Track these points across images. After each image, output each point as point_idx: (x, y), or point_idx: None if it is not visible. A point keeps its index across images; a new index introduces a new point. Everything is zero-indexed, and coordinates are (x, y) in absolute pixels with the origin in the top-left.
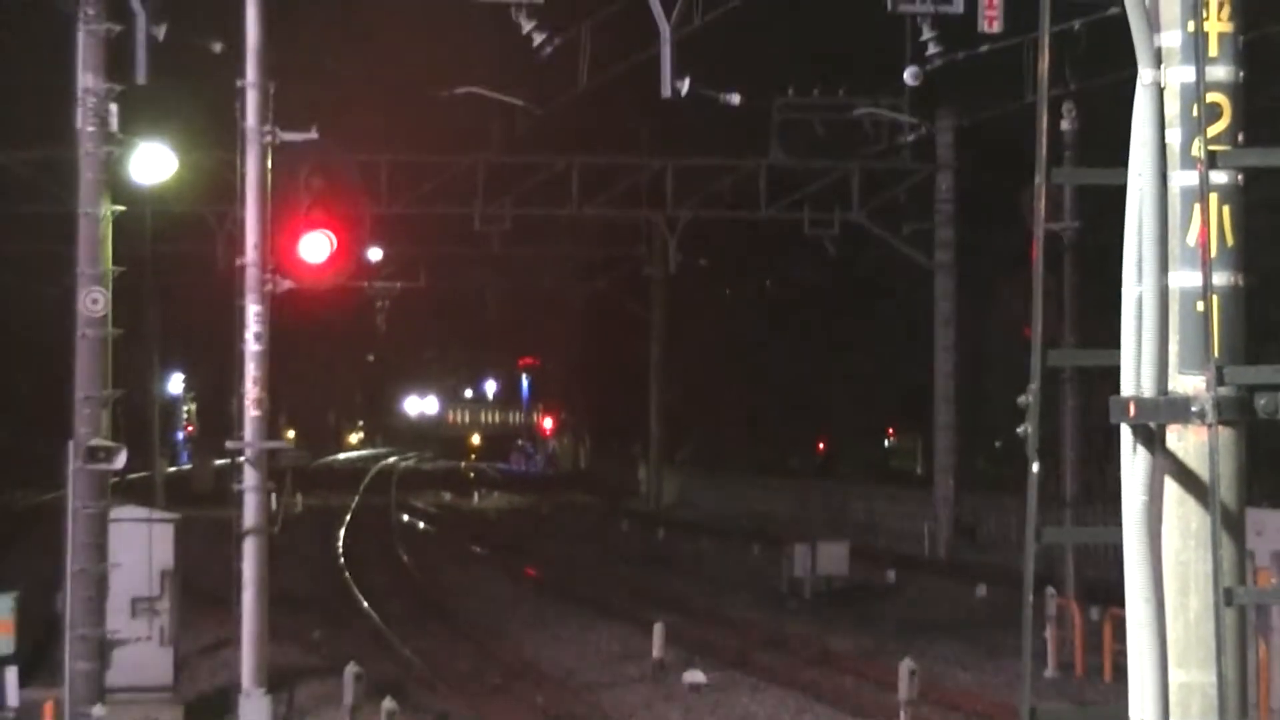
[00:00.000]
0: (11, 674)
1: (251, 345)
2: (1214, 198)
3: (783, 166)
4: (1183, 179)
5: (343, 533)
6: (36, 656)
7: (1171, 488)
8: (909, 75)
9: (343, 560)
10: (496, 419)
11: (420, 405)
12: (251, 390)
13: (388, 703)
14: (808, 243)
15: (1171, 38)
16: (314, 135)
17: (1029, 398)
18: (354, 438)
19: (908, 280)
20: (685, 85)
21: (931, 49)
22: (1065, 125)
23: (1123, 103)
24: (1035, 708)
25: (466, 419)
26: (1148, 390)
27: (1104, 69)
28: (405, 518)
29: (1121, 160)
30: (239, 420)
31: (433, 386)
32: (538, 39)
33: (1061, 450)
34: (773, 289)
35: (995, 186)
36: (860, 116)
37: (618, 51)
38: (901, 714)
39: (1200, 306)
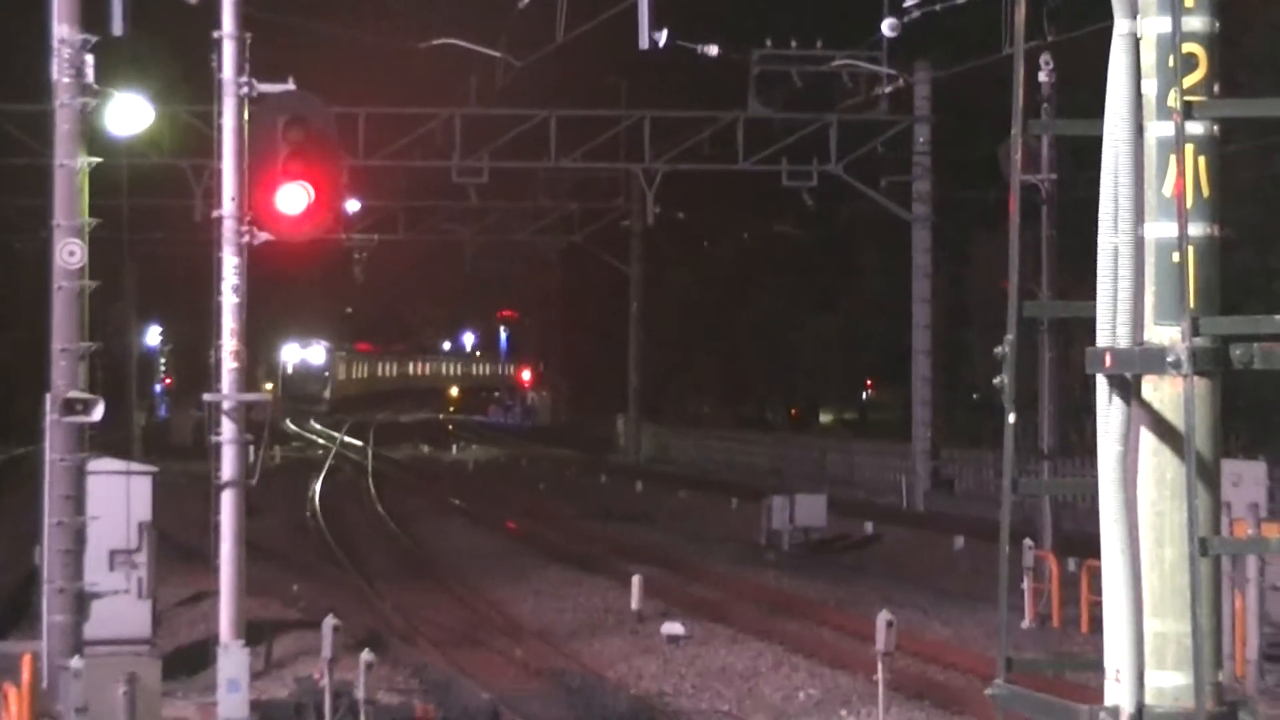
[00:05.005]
0: None
1: (229, 297)
2: (1190, 149)
3: (760, 118)
4: (1159, 130)
5: (319, 485)
6: (14, 610)
7: (1147, 438)
8: (887, 27)
9: (320, 513)
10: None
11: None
12: (229, 342)
13: (366, 655)
14: (786, 195)
15: None
16: (291, 87)
17: (1005, 349)
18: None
19: (886, 233)
20: (663, 37)
21: (909, 0)
22: (1043, 77)
23: (1101, 54)
24: (1012, 658)
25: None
26: (1123, 341)
27: (1082, 20)
28: (382, 469)
29: (1099, 112)
30: (216, 373)
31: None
32: None
33: (1039, 403)
34: (751, 242)
35: (974, 139)
36: (838, 68)
37: (596, 3)
38: (879, 665)
39: (1176, 257)
